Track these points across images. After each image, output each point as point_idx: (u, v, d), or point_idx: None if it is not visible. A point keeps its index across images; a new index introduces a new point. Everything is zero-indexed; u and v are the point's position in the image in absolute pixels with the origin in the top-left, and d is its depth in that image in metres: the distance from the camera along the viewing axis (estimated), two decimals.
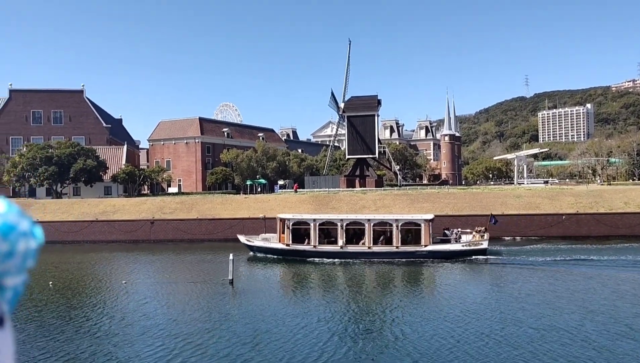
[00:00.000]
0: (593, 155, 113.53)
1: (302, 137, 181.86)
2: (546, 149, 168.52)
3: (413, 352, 17.71)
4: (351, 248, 40.08)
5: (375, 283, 32.53)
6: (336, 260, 39.55)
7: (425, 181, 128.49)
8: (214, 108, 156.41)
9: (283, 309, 24.61)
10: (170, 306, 26.12)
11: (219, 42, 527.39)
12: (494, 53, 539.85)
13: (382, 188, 75.14)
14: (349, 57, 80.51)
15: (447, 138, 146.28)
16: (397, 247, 39.45)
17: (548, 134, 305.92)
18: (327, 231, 41.78)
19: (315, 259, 39.88)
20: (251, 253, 43.34)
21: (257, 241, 43.64)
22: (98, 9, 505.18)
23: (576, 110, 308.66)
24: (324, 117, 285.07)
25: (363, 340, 19.38)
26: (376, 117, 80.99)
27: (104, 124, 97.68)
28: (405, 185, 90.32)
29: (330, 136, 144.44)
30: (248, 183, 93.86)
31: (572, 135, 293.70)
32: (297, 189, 73.32)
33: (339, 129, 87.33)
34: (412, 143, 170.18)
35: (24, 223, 0.87)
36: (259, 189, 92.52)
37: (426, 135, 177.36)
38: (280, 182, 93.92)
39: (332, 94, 79.68)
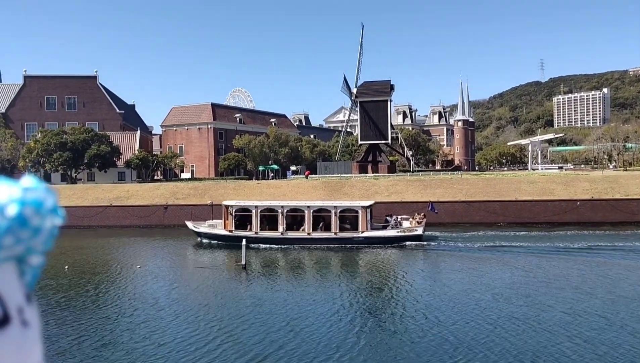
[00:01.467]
0: (609, 140, 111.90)
1: (315, 122, 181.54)
2: (561, 135, 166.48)
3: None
4: (291, 234, 40.62)
5: (296, 267, 33.36)
6: (277, 245, 40.22)
7: (438, 167, 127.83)
8: (226, 94, 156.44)
9: (307, 295, 24.73)
10: (185, 291, 26.37)
11: (231, 27, 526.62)
12: (508, 37, 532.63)
13: (395, 174, 74.91)
14: (361, 41, 79.96)
15: (460, 123, 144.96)
16: (335, 233, 40.09)
17: (563, 119, 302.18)
18: (270, 218, 42.28)
19: (258, 245, 40.43)
20: (198, 239, 44.23)
21: (203, 228, 44.51)
22: None
23: (592, 95, 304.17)
24: (336, 103, 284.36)
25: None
26: (389, 103, 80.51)
27: (117, 110, 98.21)
28: (418, 171, 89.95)
29: (342, 121, 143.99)
30: (260, 168, 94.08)
31: (587, 120, 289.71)
32: (309, 176, 73.31)
33: (352, 114, 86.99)
34: (425, 129, 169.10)
35: (51, 200, 0.87)
36: (271, 175, 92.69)
37: (439, 120, 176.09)
38: (293, 168, 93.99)
39: (345, 79, 79.31)
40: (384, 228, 41.96)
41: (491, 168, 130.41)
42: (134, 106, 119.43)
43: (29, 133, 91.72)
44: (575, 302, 22.01)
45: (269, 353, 16.47)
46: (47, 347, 17.53)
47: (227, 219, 42.60)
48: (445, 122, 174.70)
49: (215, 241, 42.74)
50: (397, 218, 42.45)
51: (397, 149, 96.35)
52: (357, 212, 40.61)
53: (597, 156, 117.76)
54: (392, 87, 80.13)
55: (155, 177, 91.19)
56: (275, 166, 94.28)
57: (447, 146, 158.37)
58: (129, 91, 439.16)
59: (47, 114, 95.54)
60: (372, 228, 41.15)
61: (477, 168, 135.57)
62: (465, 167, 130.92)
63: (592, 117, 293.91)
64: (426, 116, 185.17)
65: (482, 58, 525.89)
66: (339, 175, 72.89)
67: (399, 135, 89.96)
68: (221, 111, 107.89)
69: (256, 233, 41.41)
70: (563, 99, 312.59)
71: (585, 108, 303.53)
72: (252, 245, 40.04)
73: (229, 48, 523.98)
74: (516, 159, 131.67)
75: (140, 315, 21.32)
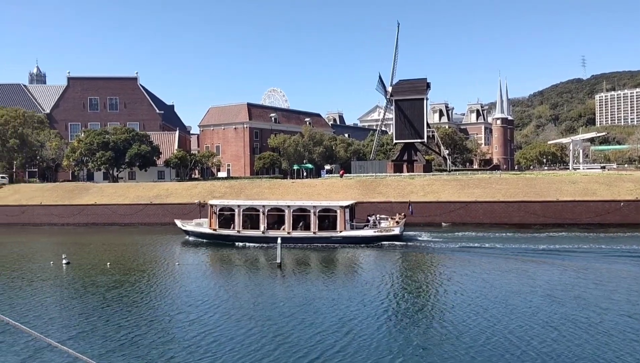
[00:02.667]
0: None
1: (349, 121, 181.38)
2: (604, 133, 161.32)
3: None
4: (272, 233, 40.98)
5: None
6: (258, 244, 40.82)
7: (475, 166, 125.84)
8: (262, 94, 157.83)
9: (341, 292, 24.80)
10: (227, 288, 26.77)
11: (267, 27, 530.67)
12: (548, 33, 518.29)
13: (431, 173, 74.10)
14: (397, 40, 79.36)
15: (499, 122, 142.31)
16: (314, 232, 40.62)
17: (606, 118, 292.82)
18: (253, 217, 42.97)
19: (240, 243, 41.35)
20: (187, 237, 45.29)
21: (189, 226, 45.71)
22: None
23: (636, 92, 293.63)
24: (371, 102, 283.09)
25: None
26: (425, 101, 79.66)
27: (157, 111, 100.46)
28: (455, 170, 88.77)
29: (377, 120, 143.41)
30: (295, 167, 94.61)
31: (631, 118, 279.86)
32: (343, 175, 73.30)
33: (387, 113, 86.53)
34: (462, 127, 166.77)
35: None
36: (304, 174, 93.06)
37: (477, 119, 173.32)
38: (327, 167, 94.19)
39: (380, 78, 78.88)
40: (366, 227, 42.37)
41: (531, 167, 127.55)
42: (173, 106, 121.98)
43: (73, 133, 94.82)
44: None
45: (323, 352, 16.58)
46: (101, 344, 18.12)
47: (212, 218, 43.68)
48: (483, 121, 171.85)
49: (201, 239, 44.02)
50: (376, 217, 43.05)
51: (433, 148, 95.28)
52: (335, 212, 41.17)
53: None
54: (428, 85, 79.28)
55: (193, 176, 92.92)
56: (309, 165, 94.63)
57: (485, 145, 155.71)
58: (168, 91, 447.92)
59: (90, 114, 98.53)
60: (356, 228, 41.72)
61: (516, 168, 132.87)
62: (504, 166, 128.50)
63: (636, 115, 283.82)
64: (463, 115, 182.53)
65: (522, 55, 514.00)
66: (374, 174, 72.61)
67: (435, 134, 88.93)
68: (257, 111, 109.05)
69: (239, 231, 42.35)
70: (606, 96, 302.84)
71: (629, 106, 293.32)
72: (235, 243, 41.55)
73: (265, 48, 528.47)
74: (557, 159, 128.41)
75: (192, 312, 21.54)
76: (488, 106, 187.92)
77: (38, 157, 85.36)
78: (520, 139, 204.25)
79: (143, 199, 62.27)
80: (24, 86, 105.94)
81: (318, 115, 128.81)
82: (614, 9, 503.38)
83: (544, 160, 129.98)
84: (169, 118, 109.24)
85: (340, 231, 40.65)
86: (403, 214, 44.49)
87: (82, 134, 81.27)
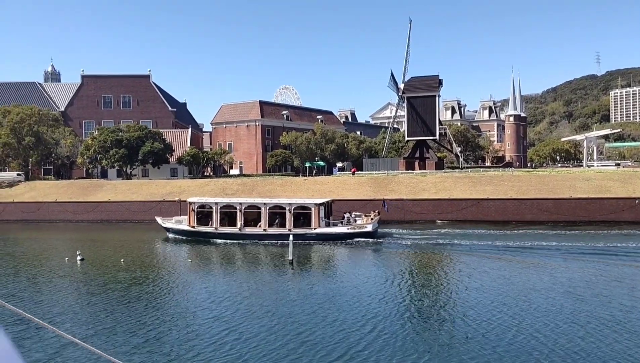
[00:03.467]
0: None
1: (361, 119, 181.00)
2: (618, 130, 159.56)
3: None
4: (249, 230, 42.39)
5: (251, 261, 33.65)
6: (235, 241, 41.79)
7: (488, 164, 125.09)
8: (274, 91, 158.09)
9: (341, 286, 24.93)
10: (243, 286, 26.98)
11: (278, 25, 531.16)
12: (562, 29, 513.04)
13: (443, 171, 73.86)
14: (409, 37, 79.01)
15: (511, 119, 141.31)
16: (289, 229, 41.26)
17: (620, 114, 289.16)
18: (230, 214, 43.85)
19: (218, 240, 42.29)
20: (167, 234, 46.09)
21: (169, 223, 46.67)
22: None
23: None
24: (383, 99, 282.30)
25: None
26: (437, 98, 79.35)
27: (170, 108, 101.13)
28: (467, 167, 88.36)
29: (389, 117, 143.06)
30: (307, 165, 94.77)
31: None
32: (355, 173, 73.35)
33: (399, 110, 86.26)
34: (474, 124, 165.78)
35: None
36: (314, 172, 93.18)
37: (489, 116, 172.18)
38: (339, 164, 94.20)
39: (392, 75, 78.66)
40: (340, 224, 43.28)
41: (544, 164, 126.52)
42: (185, 104, 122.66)
43: (87, 131, 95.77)
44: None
45: (348, 349, 16.70)
46: (123, 341, 18.38)
47: (190, 215, 44.61)
48: (495, 118, 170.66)
49: (180, 236, 44.95)
50: (350, 215, 44.16)
51: (445, 146, 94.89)
52: (310, 209, 42.19)
53: None
54: (440, 82, 78.93)
55: (206, 173, 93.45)
56: (321, 163, 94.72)
57: (497, 142, 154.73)
58: (180, 89, 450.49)
59: (104, 112, 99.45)
60: (332, 225, 42.78)
61: (529, 165, 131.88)
62: (517, 163, 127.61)
63: None
64: (476, 112, 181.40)
65: (535, 51, 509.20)
66: (386, 172, 72.52)
67: (447, 131, 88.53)
68: (269, 109, 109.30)
69: (216, 228, 43.33)
70: (620, 93, 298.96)
71: None
72: (212, 240, 42.40)
73: (276, 46, 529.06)
74: (570, 156, 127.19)
75: (214, 309, 21.64)
76: (501, 102, 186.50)
77: (53, 154, 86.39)
78: (534, 136, 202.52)
79: (156, 197, 62.78)
80: (39, 84, 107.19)
81: (330, 112, 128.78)
82: (629, 5, 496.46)
83: (558, 157, 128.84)
84: (182, 116, 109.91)
85: (315, 228, 41.74)
86: (377, 211, 45.66)
87: (96, 132, 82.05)
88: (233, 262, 35.28)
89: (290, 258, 31.92)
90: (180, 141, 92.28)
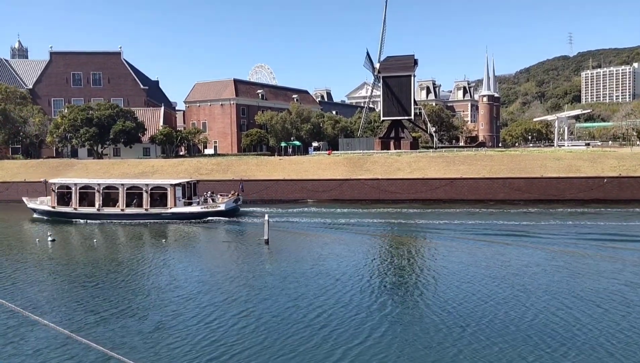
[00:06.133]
0: (639, 117, 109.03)
1: (337, 98, 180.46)
2: (589, 111, 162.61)
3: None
4: (107, 210, 43.95)
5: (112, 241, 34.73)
6: (95, 221, 43.15)
7: (462, 143, 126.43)
8: (249, 70, 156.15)
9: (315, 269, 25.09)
10: (216, 266, 26.93)
11: (254, 2, 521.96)
12: (535, 10, 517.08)
13: (418, 150, 74.43)
14: (385, 16, 78.64)
15: (485, 99, 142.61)
16: (146, 209, 43.28)
17: (591, 95, 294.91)
18: (89, 195, 45.22)
19: (78, 220, 43.65)
20: (34, 214, 47.41)
21: (32, 203, 47.89)
22: None
23: (622, 69, 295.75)
24: (358, 78, 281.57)
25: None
26: (412, 78, 79.54)
27: (142, 86, 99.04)
28: (441, 147, 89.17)
29: (365, 97, 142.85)
30: (282, 144, 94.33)
31: (616, 96, 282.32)
32: (331, 153, 73.35)
33: (374, 90, 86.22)
34: (448, 104, 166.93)
35: None
36: (290, 151, 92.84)
37: (464, 96, 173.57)
38: (315, 144, 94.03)
39: (368, 54, 78.42)
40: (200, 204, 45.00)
41: (516, 144, 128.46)
42: (157, 82, 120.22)
43: (56, 109, 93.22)
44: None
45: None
46: (88, 319, 18.19)
47: (52, 195, 45.97)
48: (469, 98, 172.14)
49: (44, 217, 46.03)
50: (207, 194, 46.42)
51: (420, 126, 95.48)
52: (166, 189, 43.72)
53: (625, 133, 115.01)
54: (415, 62, 79.05)
55: (179, 153, 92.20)
56: (297, 143, 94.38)
57: (471, 122, 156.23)
58: (153, 67, 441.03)
59: (73, 90, 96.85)
60: (189, 205, 44.36)
61: (501, 145, 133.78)
62: (490, 143, 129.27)
63: (622, 92, 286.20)
64: (450, 92, 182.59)
65: (509, 32, 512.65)
66: (361, 151, 72.72)
67: (422, 111, 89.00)
68: (243, 87, 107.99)
69: (75, 209, 44.52)
70: (591, 74, 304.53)
71: (615, 83, 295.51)
72: (73, 220, 43.64)
73: (251, 23, 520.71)
74: (542, 136, 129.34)
75: (180, 287, 21.85)
76: (475, 83, 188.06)
77: (21, 133, 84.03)
78: (506, 116, 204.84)
79: (128, 176, 61.60)
80: (6, 60, 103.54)
81: (306, 92, 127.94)
82: None
83: (529, 137, 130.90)
84: (154, 94, 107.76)
85: (170, 208, 43.25)
86: (234, 191, 47.95)
87: (66, 110, 79.92)
88: (208, 243, 35.11)
89: (266, 237, 31.79)
90: (153, 119, 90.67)
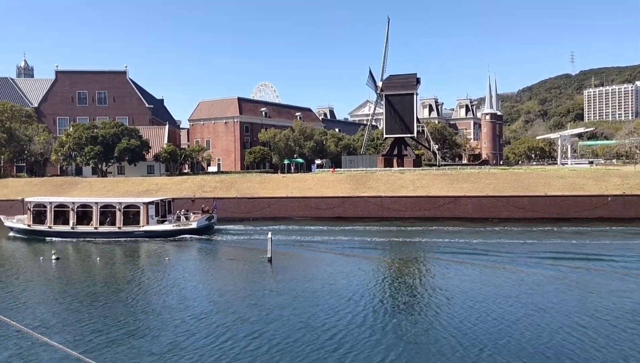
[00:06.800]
0: None
1: (340, 116, 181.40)
2: (592, 129, 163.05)
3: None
4: (81, 229, 44.12)
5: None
6: (69, 239, 43.21)
7: (465, 161, 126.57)
8: (253, 88, 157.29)
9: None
10: (219, 283, 26.83)
11: (256, 21, 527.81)
12: (537, 29, 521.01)
13: (421, 168, 74.44)
14: (387, 35, 79.36)
15: (488, 117, 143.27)
16: (119, 227, 43.63)
17: (594, 113, 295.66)
18: (64, 213, 45.45)
19: (52, 238, 43.65)
20: (10, 232, 47.50)
21: (9, 222, 48.05)
22: None
23: (624, 88, 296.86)
24: (361, 96, 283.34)
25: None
26: (415, 96, 79.92)
27: (147, 105, 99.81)
28: (444, 165, 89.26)
29: (367, 115, 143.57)
30: (285, 162, 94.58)
31: (619, 114, 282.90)
32: (334, 171, 73.46)
33: (377, 108, 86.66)
34: (451, 122, 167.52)
35: None
36: (292, 169, 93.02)
37: (466, 114, 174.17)
38: (318, 161, 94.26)
39: (370, 73, 78.95)
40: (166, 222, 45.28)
41: (520, 162, 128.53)
42: (162, 100, 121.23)
43: (61, 127, 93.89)
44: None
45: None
46: (99, 340, 18.09)
47: (27, 214, 46.33)
48: (472, 116, 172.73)
49: (20, 235, 46.13)
50: (179, 212, 46.78)
51: (423, 143, 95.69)
52: (138, 208, 44.12)
53: (629, 151, 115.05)
54: (418, 81, 79.52)
55: (183, 170, 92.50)
56: (300, 160, 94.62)
57: (474, 140, 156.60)
58: (158, 85, 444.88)
59: (79, 108, 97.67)
60: (161, 223, 44.51)
61: (502, 163, 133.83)
62: (494, 161, 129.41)
63: (624, 111, 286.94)
64: (453, 110, 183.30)
65: (511, 51, 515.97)
66: (364, 169, 72.80)
67: (425, 129, 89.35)
68: (247, 105, 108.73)
69: (50, 227, 44.82)
70: (594, 92, 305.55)
71: (617, 102, 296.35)
72: (47, 238, 43.71)
73: (255, 43, 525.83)
74: (545, 154, 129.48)
75: (189, 305, 21.73)
76: (477, 101, 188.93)
77: (26, 151, 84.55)
78: (509, 134, 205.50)
79: (132, 194, 61.81)
80: (12, 79, 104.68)
81: (309, 110, 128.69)
82: (603, 5, 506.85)
83: (533, 155, 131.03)
84: (159, 112, 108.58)
85: (142, 226, 43.56)
86: (207, 209, 48.26)
87: (71, 129, 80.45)
88: (211, 260, 35.03)
89: (269, 255, 31.71)
90: (157, 137, 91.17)
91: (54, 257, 33.46)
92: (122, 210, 43.89)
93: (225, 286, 25.81)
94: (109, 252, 37.31)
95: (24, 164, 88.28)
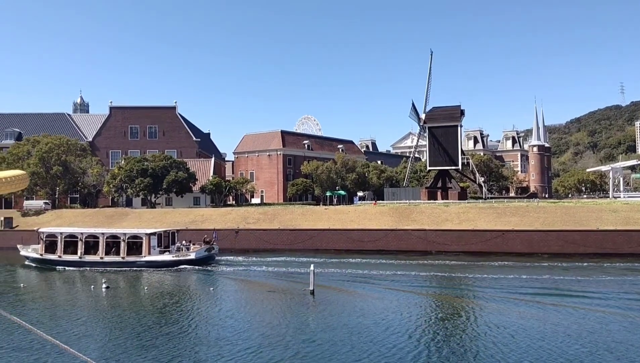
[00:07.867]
0: None
1: (382, 148, 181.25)
2: None
3: None
4: (88, 258, 45.92)
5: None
6: (76, 268, 45.12)
7: (512, 194, 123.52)
8: (296, 121, 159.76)
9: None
10: (267, 316, 26.90)
11: (300, 56, 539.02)
12: (586, 58, 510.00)
13: (466, 201, 73.22)
14: (430, 67, 79.63)
15: (535, 149, 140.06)
16: (122, 257, 45.19)
17: None
18: (74, 243, 47.01)
19: (61, 267, 45.78)
20: (26, 261, 49.65)
21: (24, 251, 50.24)
22: (187, 27, 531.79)
23: None
24: (404, 129, 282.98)
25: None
26: (459, 128, 79.25)
27: (194, 138, 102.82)
28: (491, 198, 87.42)
29: (410, 147, 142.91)
30: (328, 194, 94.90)
31: None
32: (376, 204, 73.19)
33: (420, 140, 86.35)
34: (497, 154, 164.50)
35: None
36: (335, 201, 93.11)
37: (513, 146, 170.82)
38: (360, 193, 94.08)
39: (413, 105, 79.08)
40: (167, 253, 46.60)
41: (569, 195, 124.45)
42: (209, 134, 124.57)
43: (113, 160, 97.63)
44: None
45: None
46: None
47: (40, 243, 48.24)
48: (519, 148, 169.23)
49: (34, 264, 48.14)
50: (181, 244, 48.15)
51: (467, 176, 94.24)
52: (141, 238, 45.73)
53: None
54: (462, 113, 78.95)
55: (228, 202, 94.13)
56: (342, 192, 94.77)
57: (521, 172, 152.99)
58: (205, 120, 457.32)
59: (130, 142, 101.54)
60: (163, 254, 45.95)
61: (549, 196, 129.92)
62: (543, 194, 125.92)
63: None
64: (498, 142, 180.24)
65: (558, 82, 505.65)
66: (407, 201, 72.19)
67: (470, 161, 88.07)
68: (290, 138, 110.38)
69: (59, 256, 46.94)
70: None
71: None
72: (58, 267, 45.50)
73: (298, 77, 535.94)
74: (596, 187, 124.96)
75: (239, 339, 21.85)
76: (524, 132, 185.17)
77: (80, 183, 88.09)
78: (558, 166, 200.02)
79: (179, 225, 63.24)
80: (68, 115, 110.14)
81: (351, 142, 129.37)
82: None
83: (583, 188, 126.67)
84: (205, 145, 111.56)
85: (144, 256, 45.05)
86: (209, 240, 49.40)
87: (122, 161, 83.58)
88: (254, 293, 35.22)
89: (311, 288, 31.65)
90: (204, 170, 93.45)
91: (104, 286, 34.46)
92: (126, 241, 45.70)
93: (274, 319, 25.58)
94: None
95: (78, 195, 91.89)
